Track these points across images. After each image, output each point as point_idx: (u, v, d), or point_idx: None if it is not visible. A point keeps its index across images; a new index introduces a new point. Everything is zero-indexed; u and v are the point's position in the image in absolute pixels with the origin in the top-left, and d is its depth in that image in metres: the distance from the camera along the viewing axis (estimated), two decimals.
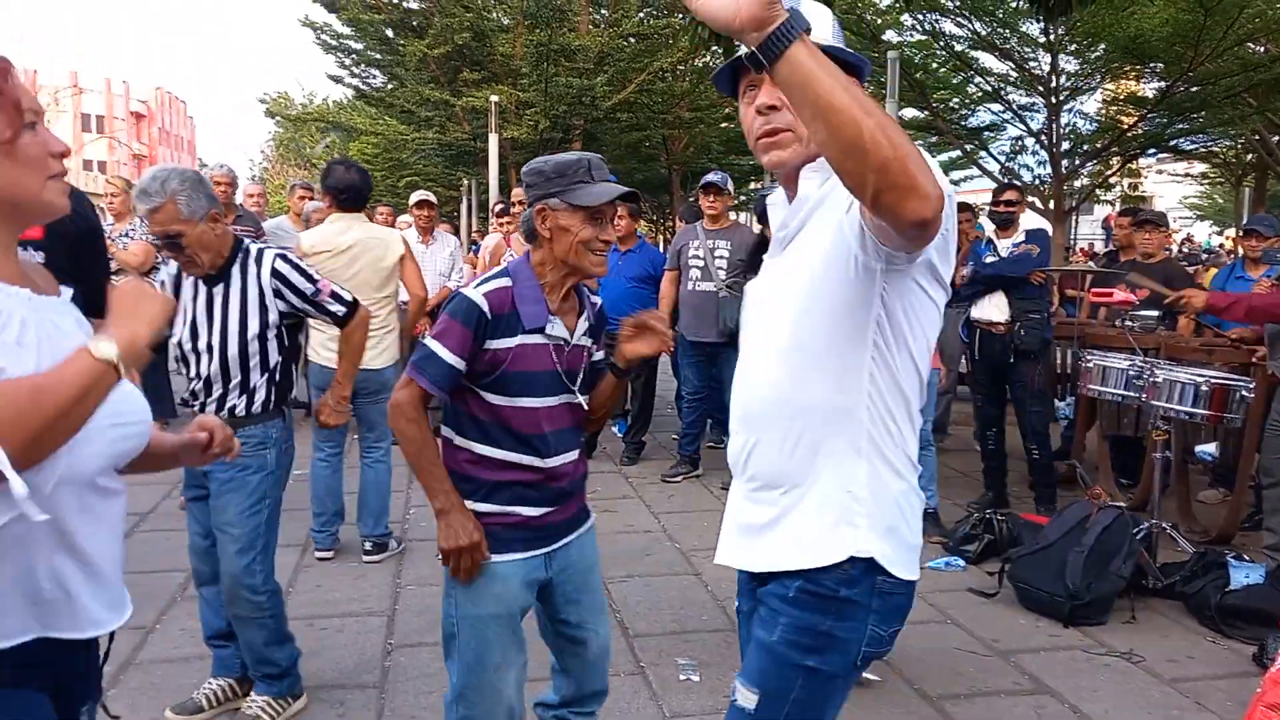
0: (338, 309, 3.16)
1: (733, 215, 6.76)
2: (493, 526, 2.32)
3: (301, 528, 5.06)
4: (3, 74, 1.42)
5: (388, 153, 27.71)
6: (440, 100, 18.83)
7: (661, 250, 7.93)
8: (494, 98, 16.27)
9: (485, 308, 2.26)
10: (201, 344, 3.00)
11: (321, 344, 4.78)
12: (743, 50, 1.43)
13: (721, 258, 6.26)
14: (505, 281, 2.31)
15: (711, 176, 6.43)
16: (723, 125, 23.09)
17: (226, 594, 3.10)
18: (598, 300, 2.53)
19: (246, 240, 3.10)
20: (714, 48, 14.54)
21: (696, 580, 4.64)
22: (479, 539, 2.27)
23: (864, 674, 3.26)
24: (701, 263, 6.29)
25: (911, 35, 14.99)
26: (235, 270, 3.01)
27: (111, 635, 1.59)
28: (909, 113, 16.09)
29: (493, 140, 15.08)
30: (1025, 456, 5.78)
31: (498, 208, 8.45)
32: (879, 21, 15.11)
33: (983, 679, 3.64)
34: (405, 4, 19.27)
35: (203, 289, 3.02)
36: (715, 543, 4.48)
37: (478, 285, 2.31)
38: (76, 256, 3.49)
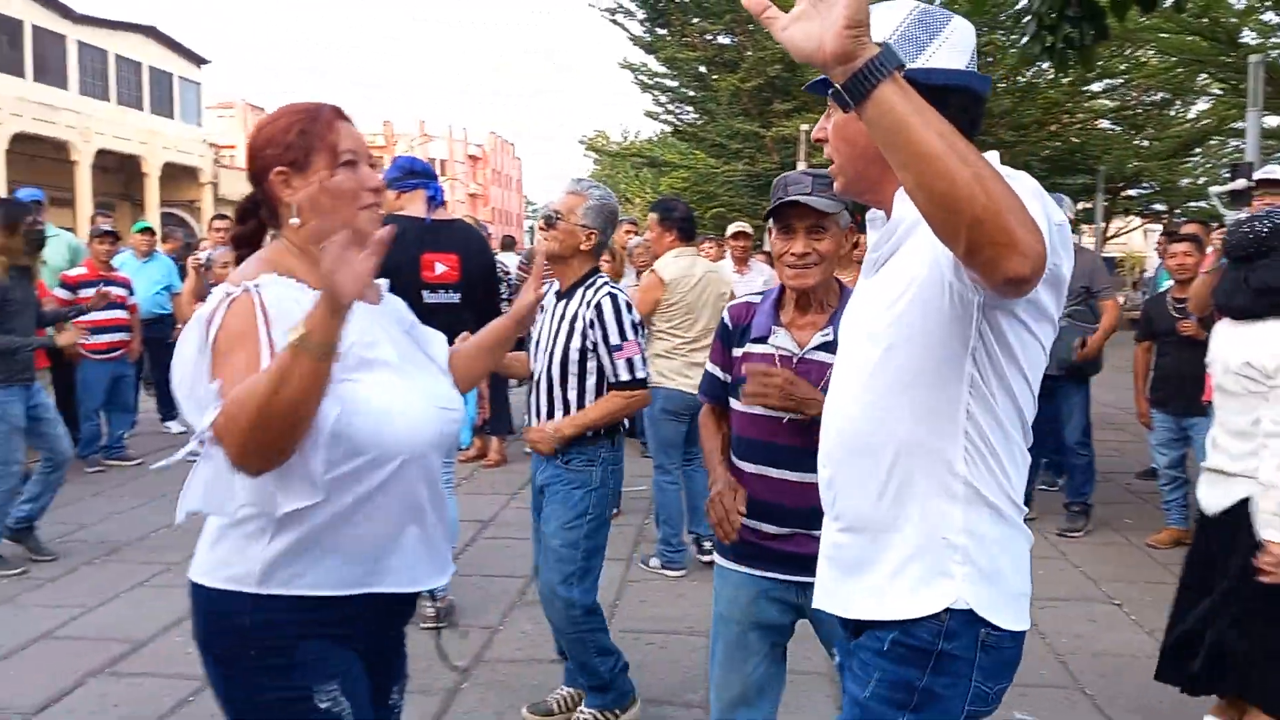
0: (625, 375, 3.14)
1: (1074, 237, 6.29)
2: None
3: (627, 542, 5.26)
4: (329, 123, 1.70)
5: (697, 186, 28.55)
6: (750, 132, 19.14)
7: None
8: (804, 126, 16.32)
9: (727, 319, 2.52)
10: (543, 350, 3.23)
11: (666, 368, 5.04)
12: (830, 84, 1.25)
13: None
14: (756, 299, 2.52)
15: None
16: (1046, 144, 21.72)
17: (544, 601, 3.25)
18: None
19: (601, 272, 3.28)
20: (1040, 64, 13.70)
21: (1033, 631, 4.29)
22: (724, 489, 2.41)
23: None
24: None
25: (1278, 33, 13.33)
26: (579, 290, 3.20)
27: (413, 605, 1.82)
28: (1273, 120, 14.30)
29: (801, 168, 15.15)
30: None
31: None
32: (1234, 21, 13.61)
33: None
34: (718, 40, 19.79)
35: (558, 302, 3.25)
36: (1051, 591, 4.08)
37: (732, 305, 2.55)
38: (486, 290, 4.27)
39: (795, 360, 2.37)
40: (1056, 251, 1.34)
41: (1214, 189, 6.20)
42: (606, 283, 3.22)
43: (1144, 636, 4.22)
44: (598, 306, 3.13)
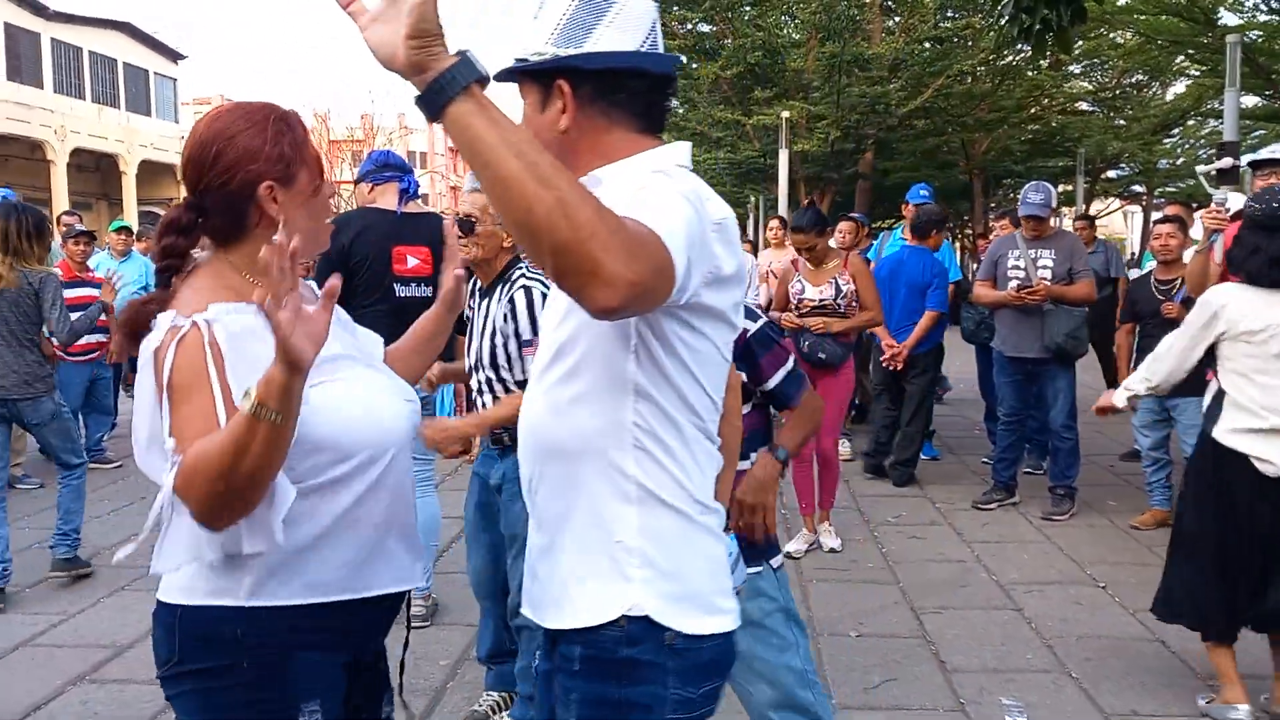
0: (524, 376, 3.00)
1: (1054, 221, 6.29)
2: None
3: None
4: (305, 136, 1.65)
5: None
6: (732, 120, 19.08)
7: (959, 259, 7.57)
8: (785, 113, 16.26)
9: None
10: (473, 352, 3.13)
11: None
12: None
13: (1045, 267, 5.81)
14: None
15: (1034, 201, 5.85)
16: (1029, 127, 21.78)
17: (508, 596, 3.17)
18: (749, 325, 2.46)
19: (524, 263, 3.13)
20: (1019, 46, 13.69)
21: (1018, 615, 4.33)
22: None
23: None
24: (1022, 273, 5.86)
25: (1256, 15, 13.37)
26: (499, 286, 3.10)
27: (407, 642, 1.83)
28: (1251, 100, 14.37)
29: (783, 156, 15.06)
30: None
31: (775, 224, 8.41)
32: (1210, 2, 13.64)
33: None
34: (698, 28, 19.70)
35: (481, 300, 3.15)
36: (1036, 575, 4.12)
37: None
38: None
39: None
40: (711, 254, 1.35)
41: (1200, 168, 6.20)
42: (524, 273, 3.08)
43: (1129, 618, 4.23)
44: (511, 300, 3.02)
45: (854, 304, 5.50)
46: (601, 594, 1.45)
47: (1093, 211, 30.39)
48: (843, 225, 7.51)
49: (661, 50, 1.52)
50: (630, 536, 1.44)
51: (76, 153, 30.38)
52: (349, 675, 1.67)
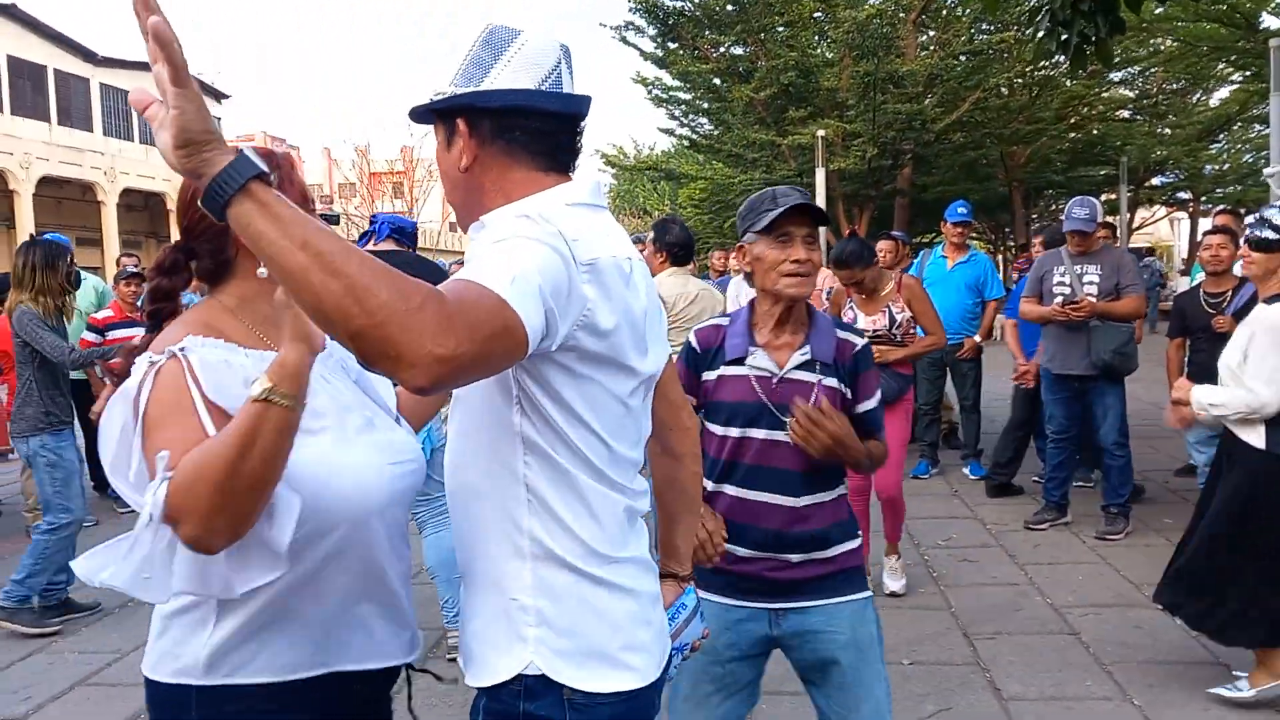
0: None
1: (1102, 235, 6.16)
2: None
3: None
4: (292, 167, 1.62)
5: (714, 196, 28.53)
6: (766, 141, 19.10)
7: (1000, 271, 7.51)
8: (820, 132, 16.24)
9: (694, 342, 2.42)
10: None
11: None
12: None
13: (1091, 283, 5.71)
14: (723, 321, 2.45)
15: (1079, 216, 5.71)
16: (1069, 136, 21.53)
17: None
18: (856, 342, 2.40)
19: None
20: (1057, 58, 13.53)
21: (1075, 640, 4.23)
22: (705, 510, 2.26)
23: None
24: (1068, 289, 5.76)
25: None
26: None
27: (409, 680, 1.68)
28: None
29: (820, 175, 15.03)
30: None
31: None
32: (1250, 6, 13.41)
33: None
34: (731, 51, 19.78)
35: None
36: (1092, 598, 4.06)
37: (698, 327, 2.47)
38: None
39: (775, 381, 2.32)
40: (581, 297, 1.32)
41: (1268, 170, 6.08)
42: None
43: (1191, 641, 4.11)
44: None
45: (911, 331, 5.04)
46: (501, 652, 1.44)
47: (1138, 220, 29.93)
48: (882, 244, 7.44)
49: (569, 89, 1.51)
50: (525, 594, 1.43)
51: (126, 193, 31.18)
52: None
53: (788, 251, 2.27)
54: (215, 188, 1.12)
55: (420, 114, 1.55)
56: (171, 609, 1.49)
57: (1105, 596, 4.73)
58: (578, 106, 1.52)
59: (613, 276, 1.41)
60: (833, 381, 2.35)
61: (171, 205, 32.86)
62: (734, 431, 2.33)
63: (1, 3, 27.35)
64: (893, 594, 4.83)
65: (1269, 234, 3.29)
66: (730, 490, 2.36)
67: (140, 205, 33.22)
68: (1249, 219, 3.93)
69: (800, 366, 2.33)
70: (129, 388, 1.41)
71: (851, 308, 5.14)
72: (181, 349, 1.43)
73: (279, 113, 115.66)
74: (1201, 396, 3.43)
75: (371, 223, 4.32)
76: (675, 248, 5.31)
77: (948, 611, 4.63)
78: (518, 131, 1.48)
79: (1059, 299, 5.77)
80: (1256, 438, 3.34)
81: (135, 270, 7.52)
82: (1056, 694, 3.72)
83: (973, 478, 7.26)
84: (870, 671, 2.33)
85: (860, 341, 2.42)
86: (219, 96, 36.56)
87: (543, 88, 1.47)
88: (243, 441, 1.26)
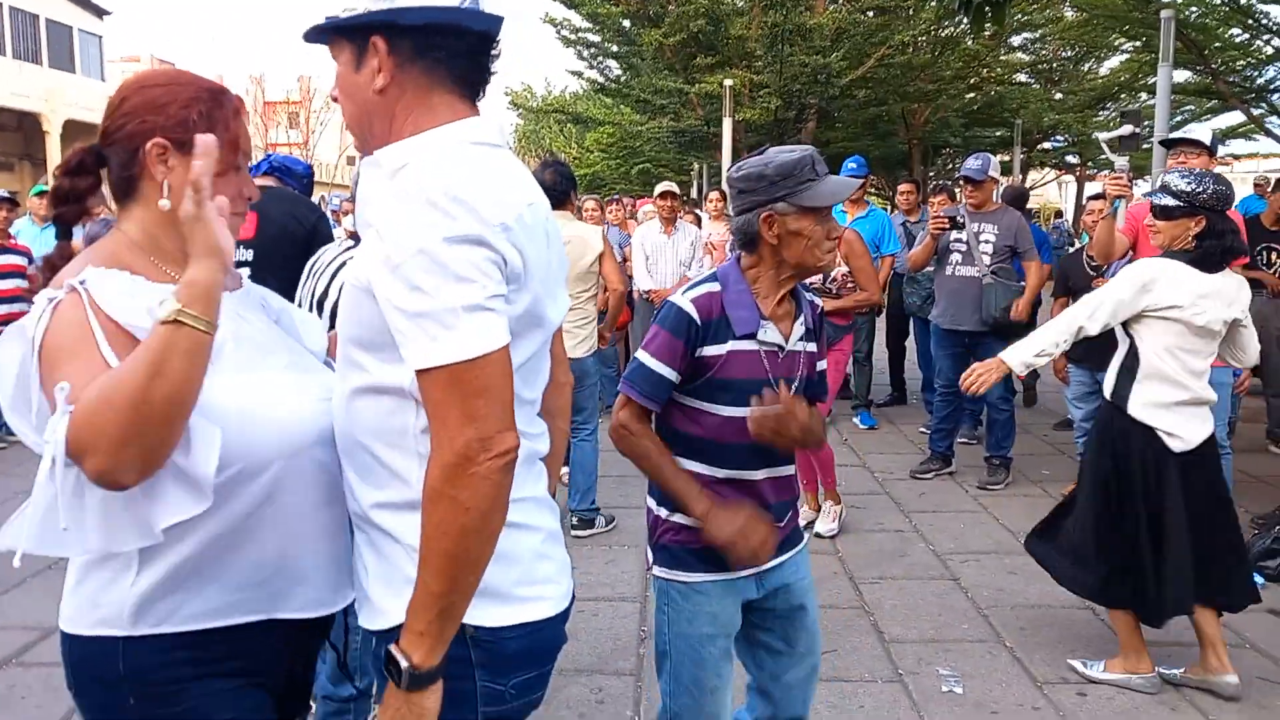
0: None
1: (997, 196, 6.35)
2: (691, 541, 2.25)
3: None
4: (235, 113, 1.52)
5: (622, 141, 28.35)
6: (675, 88, 19.00)
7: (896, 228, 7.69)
8: (728, 82, 16.21)
9: (695, 314, 2.18)
10: None
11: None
12: None
13: (987, 242, 5.89)
14: (714, 286, 2.22)
15: (971, 167, 5.99)
16: (967, 96, 22.00)
17: None
18: (818, 302, 2.40)
19: None
20: (959, 18, 13.77)
21: (954, 585, 4.42)
22: (750, 512, 2.17)
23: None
24: (964, 247, 5.94)
25: None
26: None
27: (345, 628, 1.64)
28: (1183, 75, 14.66)
29: (726, 124, 15.03)
30: None
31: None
32: None
33: None
34: None
35: None
36: (971, 545, 4.18)
37: (685, 291, 2.24)
38: (286, 256, 3.60)
39: (781, 355, 2.24)
40: (504, 263, 1.33)
41: (1102, 135, 6.33)
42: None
43: (1060, 588, 4.33)
44: None
45: (849, 286, 5.11)
46: (395, 596, 1.40)
47: (1029, 182, 30.86)
48: (712, 195, 7.44)
49: (483, 9, 1.45)
50: (415, 539, 1.38)
51: None
52: (276, 700, 1.55)
53: (827, 226, 2.17)
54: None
55: (321, 32, 1.45)
56: (89, 557, 1.41)
57: (985, 544, 4.95)
58: (497, 27, 1.46)
59: (526, 229, 1.39)
60: (812, 347, 2.34)
61: (47, 127, 31.03)
62: (741, 411, 2.17)
63: None
64: (819, 535, 5.01)
65: (1170, 201, 3.39)
66: (748, 474, 2.25)
67: (13, 126, 31.15)
68: (1143, 185, 4.06)
69: (802, 337, 2.29)
70: (25, 324, 1.33)
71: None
72: (81, 281, 1.35)
73: (166, 33, 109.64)
74: (1022, 355, 3.45)
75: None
76: (551, 190, 5.14)
77: (835, 556, 4.77)
78: (442, 52, 1.42)
79: (955, 256, 5.95)
80: (1108, 391, 3.48)
81: (6, 195, 7.09)
82: (936, 636, 3.88)
83: (862, 427, 7.46)
84: (816, 608, 2.45)
85: (820, 301, 2.40)
86: (100, 13, 34.43)
87: (463, 5, 1.41)
88: (151, 366, 1.19)
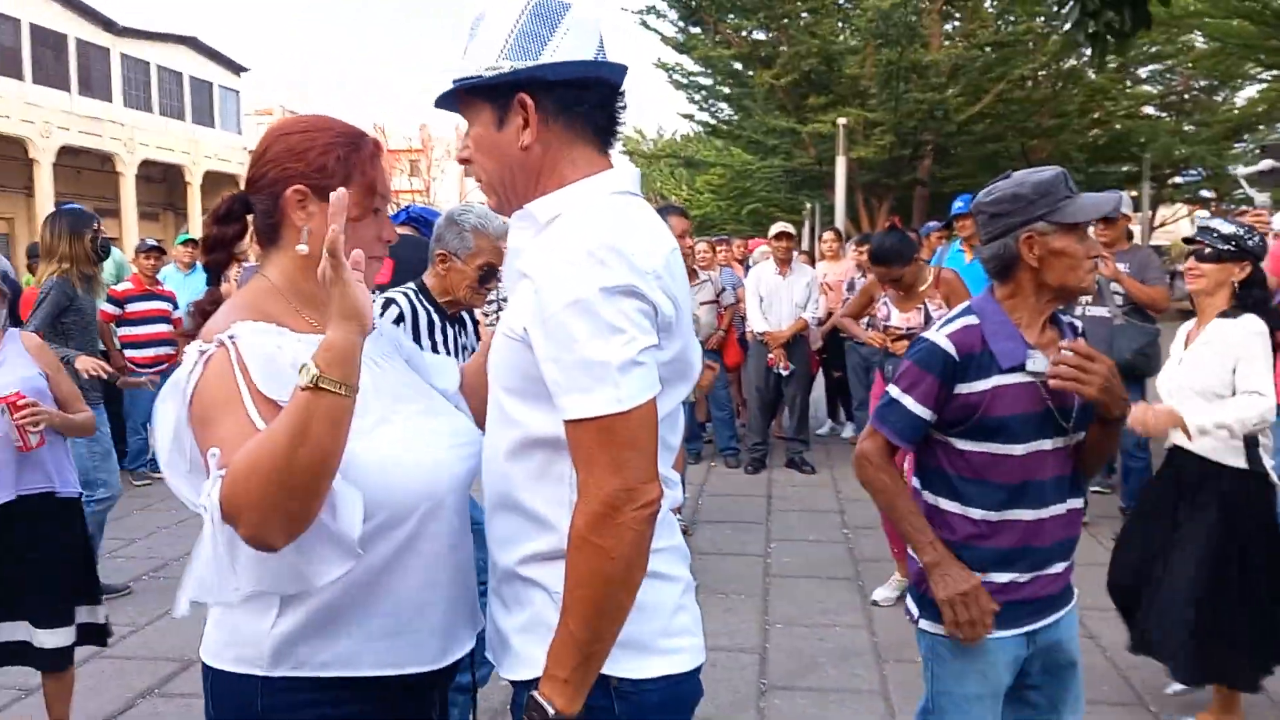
0: None
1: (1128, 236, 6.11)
2: None
3: None
4: (372, 156, 1.54)
5: (733, 182, 28.44)
6: (787, 128, 19.00)
7: None
8: (841, 121, 16.14)
9: (952, 350, 2.07)
10: None
11: None
12: None
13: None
14: (971, 320, 2.11)
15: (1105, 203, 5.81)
16: (1091, 132, 21.34)
17: None
18: (1079, 324, 2.26)
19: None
20: (1080, 51, 13.39)
21: (1091, 643, 4.20)
22: (978, 582, 2.06)
23: None
24: (1095, 286, 5.73)
25: None
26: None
27: (473, 677, 1.64)
28: None
29: (840, 163, 14.94)
30: None
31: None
32: (1279, 3, 13.21)
33: None
34: (753, 36, 19.66)
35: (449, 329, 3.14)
36: (1109, 602, 3.98)
37: (940, 328, 2.13)
38: None
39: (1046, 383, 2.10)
40: (655, 317, 1.36)
41: (1241, 170, 6.04)
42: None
43: None
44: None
45: None
46: (543, 645, 1.40)
47: (1159, 218, 29.65)
48: (826, 236, 7.24)
49: (611, 60, 1.48)
50: (561, 587, 1.40)
51: (145, 164, 31.24)
52: None
53: (1087, 245, 2.08)
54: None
55: (458, 94, 1.48)
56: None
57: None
58: (624, 76, 1.49)
59: (673, 276, 1.42)
60: None
61: (189, 178, 33.00)
62: (1018, 449, 2.06)
63: None
64: (874, 603, 4.61)
65: (1219, 245, 3.19)
66: (1022, 515, 2.10)
67: (159, 177, 33.27)
68: (1195, 227, 3.76)
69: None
70: (179, 379, 1.39)
71: (886, 303, 4.88)
72: (230, 336, 1.39)
73: (297, 89, 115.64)
74: (1203, 420, 3.07)
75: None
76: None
77: None
78: (583, 105, 1.45)
79: (1086, 296, 5.73)
80: (1235, 457, 3.19)
81: (154, 244, 7.53)
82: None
83: None
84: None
85: (1080, 324, 2.30)
86: (238, 69, 36.55)
87: (597, 58, 1.44)
88: (294, 433, 1.22)
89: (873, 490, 2.19)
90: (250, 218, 1.58)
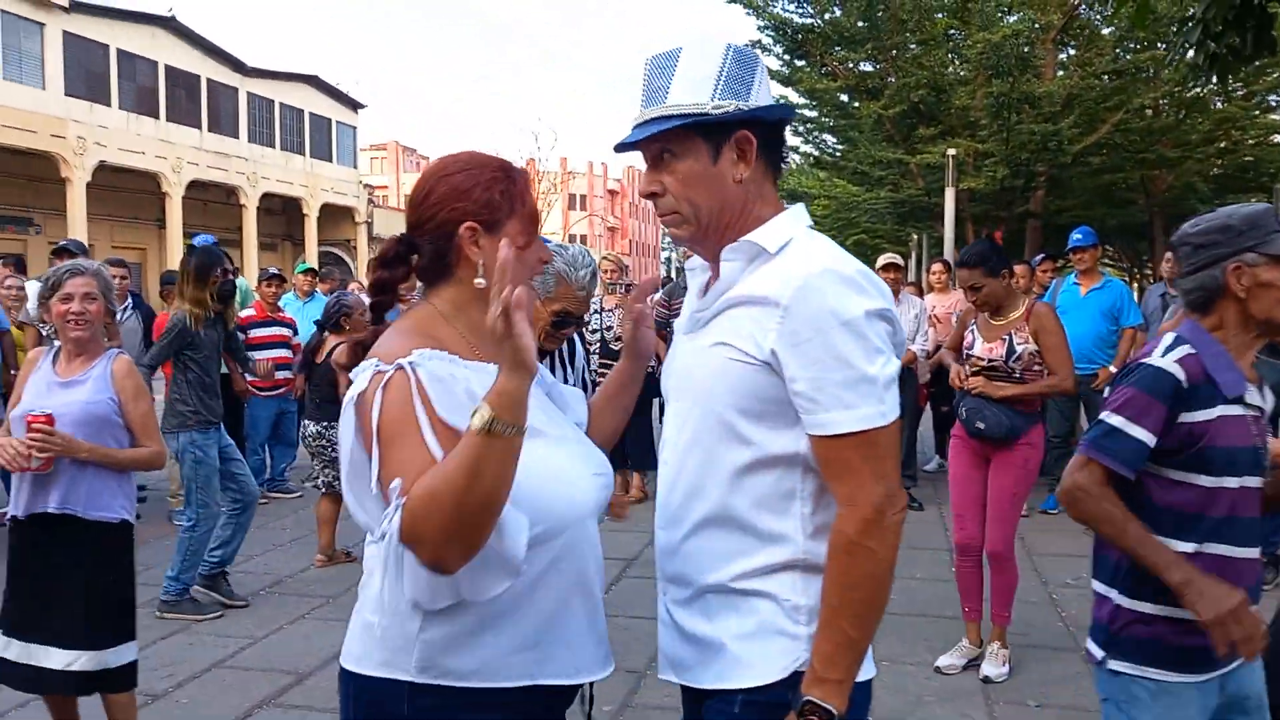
0: None
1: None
2: (1167, 635, 2.02)
3: None
4: (526, 186, 1.62)
5: (837, 214, 28.18)
6: (894, 159, 18.75)
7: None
8: (951, 151, 15.85)
9: (1182, 377, 2.00)
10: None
11: None
12: None
13: None
14: (1188, 349, 2.04)
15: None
16: (1217, 161, 20.45)
17: None
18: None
19: None
20: (1207, 78, 12.86)
21: None
22: (1243, 596, 1.94)
23: None
24: None
25: None
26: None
27: (590, 698, 1.68)
28: None
29: (949, 194, 14.66)
30: None
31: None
32: None
33: None
34: (860, 68, 19.50)
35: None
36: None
37: (1164, 354, 2.05)
38: None
39: (1263, 419, 2.07)
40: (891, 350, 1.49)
41: None
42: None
43: None
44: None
45: (1035, 366, 4.29)
46: (769, 651, 1.52)
47: None
48: (935, 267, 7.08)
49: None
50: (796, 595, 1.52)
51: (265, 197, 32.78)
52: None
53: None
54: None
55: (672, 130, 1.51)
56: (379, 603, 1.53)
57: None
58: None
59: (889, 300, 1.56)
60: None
61: (306, 210, 34.40)
62: (1231, 482, 2.02)
63: (162, 15, 29.12)
64: (987, 679, 4.17)
65: None
66: (1222, 550, 2.03)
67: (278, 209, 34.81)
68: None
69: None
70: (356, 395, 1.46)
71: (973, 330, 4.58)
72: (411, 363, 1.45)
73: (407, 123, 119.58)
74: None
75: None
76: None
77: (1077, 653, 4.42)
78: (781, 146, 1.60)
79: None
80: None
81: (276, 272, 7.87)
82: None
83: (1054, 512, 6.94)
84: None
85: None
86: (356, 106, 38.04)
87: (783, 101, 1.56)
88: (470, 471, 1.30)
89: (1098, 523, 2.07)
90: (414, 258, 1.64)
